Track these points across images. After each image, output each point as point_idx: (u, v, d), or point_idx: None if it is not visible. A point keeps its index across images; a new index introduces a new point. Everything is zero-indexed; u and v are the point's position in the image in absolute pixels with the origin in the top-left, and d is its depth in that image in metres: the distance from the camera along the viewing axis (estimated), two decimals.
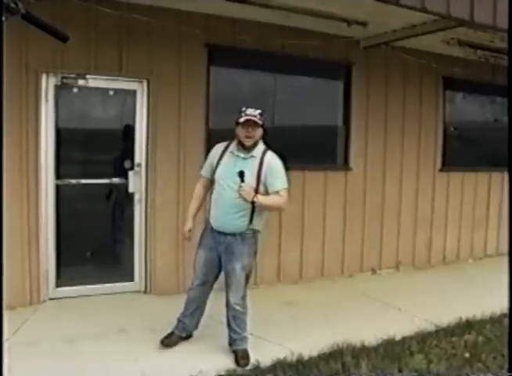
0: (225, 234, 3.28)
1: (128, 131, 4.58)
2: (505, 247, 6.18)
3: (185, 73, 4.59)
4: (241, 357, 3.32)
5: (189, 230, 3.48)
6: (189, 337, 3.60)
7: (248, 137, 3.19)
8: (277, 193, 3.23)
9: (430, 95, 6.05)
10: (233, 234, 3.26)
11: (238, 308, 3.34)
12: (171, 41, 4.47)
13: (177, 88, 4.57)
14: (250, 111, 3.20)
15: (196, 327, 3.59)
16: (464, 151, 6.52)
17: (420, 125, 6.00)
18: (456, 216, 6.38)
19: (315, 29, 4.92)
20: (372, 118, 5.62)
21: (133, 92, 4.52)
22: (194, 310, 3.52)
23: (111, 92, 4.48)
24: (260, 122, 3.18)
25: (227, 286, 3.35)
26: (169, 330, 3.56)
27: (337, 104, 5.58)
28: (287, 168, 3.33)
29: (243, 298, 3.36)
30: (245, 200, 3.12)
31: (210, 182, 3.43)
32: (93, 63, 4.23)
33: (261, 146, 3.29)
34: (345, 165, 5.59)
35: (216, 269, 3.39)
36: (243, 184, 3.10)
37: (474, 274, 5.84)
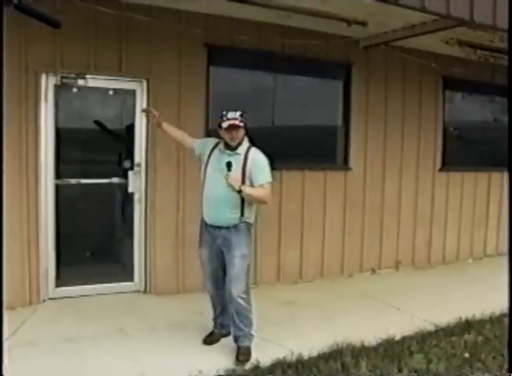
0: (220, 228, 3.36)
1: (128, 131, 4.58)
2: (505, 247, 6.19)
3: (184, 73, 4.59)
4: (241, 353, 3.34)
5: (155, 115, 3.67)
6: (228, 334, 3.60)
7: (232, 138, 3.31)
8: (261, 186, 3.30)
9: (429, 95, 6.05)
10: (227, 227, 3.34)
11: (241, 301, 3.34)
12: (170, 40, 4.47)
13: (176, 88, 4.57)
14: (231, 115, 3.31)
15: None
16: (464, 151, 6.52)
17: (420, 125, 6.00)
18: (456, 216, 6.39)
19: (314, 29, 4.93)
20: (371, 118, 5.62)
21: (133, 92, 4.52)
22: (222, 309, 3.58)
23: (111, 92, 4.48)
24: (241, 124, 3.30)
25: (228, 279, 3.37)
26: (168, 331, 3.57)
27: (337, 104, 5.58)
28: (272, 165, 3.40)
29: (247, 292, 3.38)
30: (232, 188, 3.18)
31: (189, 146, 3.69)
32: (93, 63, 4.23)
33: (245, 144, 3.39)
34: (345, 165, 5.59)
35: (222, 263, 3.43)
36: (229, 173, 3.18)
37: (473, 274, 5.84)
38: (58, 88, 4.23)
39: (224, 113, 3.33)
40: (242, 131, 3.33)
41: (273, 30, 4.84)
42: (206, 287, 3.59)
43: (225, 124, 3.27)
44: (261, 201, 3.44)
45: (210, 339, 3.59)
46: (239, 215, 3.33)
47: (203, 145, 3.56)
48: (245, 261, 3.36)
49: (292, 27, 4.87)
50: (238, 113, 3.31)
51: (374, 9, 4.10)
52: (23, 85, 3.99)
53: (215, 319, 3.65)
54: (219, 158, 3.35)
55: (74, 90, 4.31)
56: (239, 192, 3.20)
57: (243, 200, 3.30)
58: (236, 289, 3.33)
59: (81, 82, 4.27)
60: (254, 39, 4.76)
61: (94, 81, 4.33)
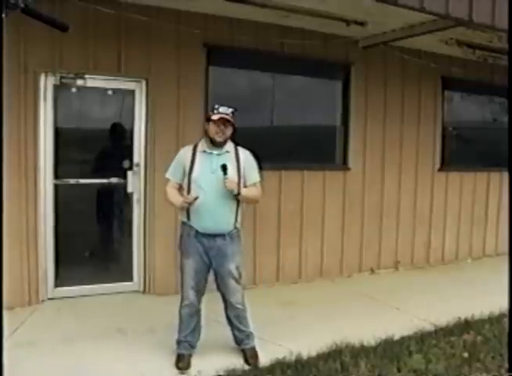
0: (215, 237, 3.19)
1: (127, 131, 4.57)
2: (504, 247, 6.20)
3: (184, 73, 4.58)
4: (250, 356, 3.32)
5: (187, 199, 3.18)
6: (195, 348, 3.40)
7: (218, 133, 3.17)
8: (255, 184, 3.30)
9: (428, 95, 6.05)
10: (222, 235, 3.20)
11: (239, 306, 3.33)
12: (169, 40, 4.47)
13: (176, 88, 4.56)
14: (223, 109, 3.20)
15: (199, 338, 3.39)
16: (463, 151, 6.52)
17: (419, 125, 6.01)
18: (455, 216, 6.39)
19: (313, 29, 4.94)
20: (370, 118, 5.62)
21: (132, 92, 4.52)
22: (195, 325, 3.32)
23: (110, 92, 4.48)
24: (232, 121, 3.19)
25: (225, 289, 3.28)
26: (167, 331, 3.53)
27: (336, 104, 5.59)
28: (259, 163, 3.41)
29: (243, 296, 3.35)
30: (232, 191, 3.12)
31: (180, 187, 3.33)
32: (92, 63, 4.23)
33: (230, 142, 3.30)
34: (344, 165, 5.59)
35: (206, 275, 3.30)
36: (227, 176, 3.09)
37: (472, 274, 5.84)
38: (57, 88, 4.23)
39: (216, 106, 3.22)
40: (230, 129, 3.21)
41: (272, 31, 4.84)
42: (186, 300, 3.24)
43: (215, 117, 3.14)
44: (255, 201, 3.44)
45: (183, 364, 3.21)
46: (233, 219, 3.24)
47: (180, 165, 3.27)
48: (239, 270, 3.29)
49: (291, 27, 4.87)
50: (230, 110, 3.21)
51: (373, 9, 4.11)
52: (23, 85, 3.99)
53: (184, 339, 3.28)
54: (207, 160, 3.19)
55: (73, 90, 4.30)
56: (237, 195, 3.14)
57: (237, 204, 3.23)
58: (235, 298, 3.29)
59: (79, 82, 4.27)
60: (253, 39, 4.76)
61: (93, 81, 4.33)
